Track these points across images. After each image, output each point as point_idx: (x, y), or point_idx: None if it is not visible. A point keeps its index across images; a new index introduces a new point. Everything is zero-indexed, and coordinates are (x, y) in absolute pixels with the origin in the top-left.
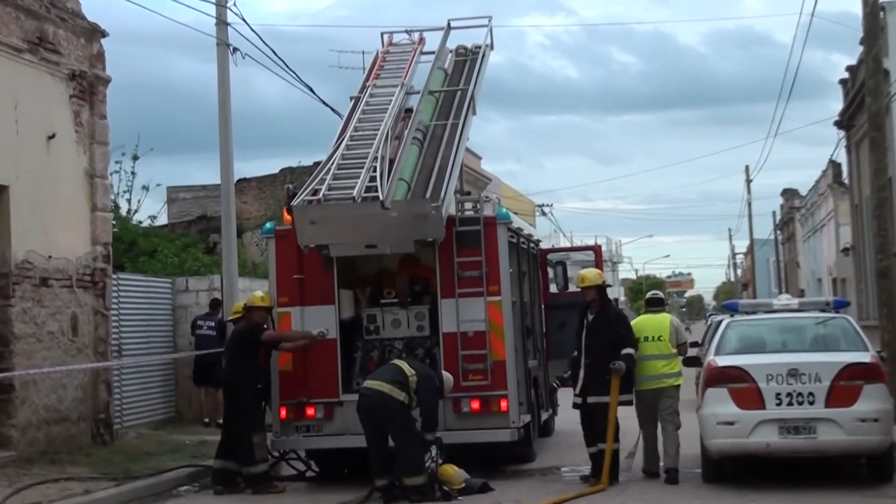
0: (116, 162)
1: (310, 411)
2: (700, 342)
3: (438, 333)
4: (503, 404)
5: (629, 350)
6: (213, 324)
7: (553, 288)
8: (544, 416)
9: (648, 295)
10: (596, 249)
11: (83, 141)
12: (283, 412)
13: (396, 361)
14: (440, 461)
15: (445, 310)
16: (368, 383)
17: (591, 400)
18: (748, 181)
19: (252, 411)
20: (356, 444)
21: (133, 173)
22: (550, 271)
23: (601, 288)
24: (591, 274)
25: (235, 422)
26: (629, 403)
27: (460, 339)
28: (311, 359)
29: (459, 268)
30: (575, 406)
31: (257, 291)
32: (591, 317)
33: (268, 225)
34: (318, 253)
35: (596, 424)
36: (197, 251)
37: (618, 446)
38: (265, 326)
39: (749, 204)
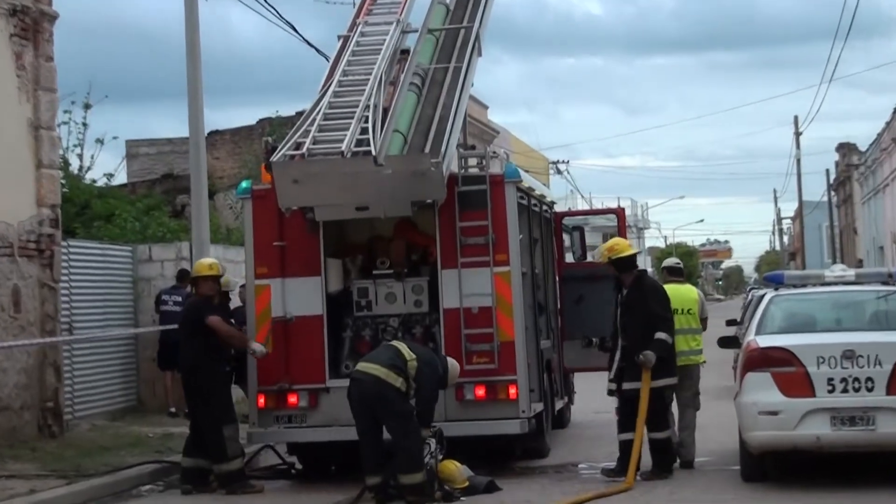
0: (66, 112)
1: (292, 399)
2: (739, 320)
3: (439, 309)
4: (512, 391)
5: (662, 335)
6: (180, 298)
7: (569, 257)
8: (559, 404)
9: (669, 262)
10: (619, 213)
11: (26, 87)
12: (261, 400)
13: (394, 343)
14: (440, 456)
15: (447, 282)
16: (361, 366)
17: (626, 386)
18: (797, 134)
19: (218, 400)
20: (345, 436)
21: (85, 125)
22: (566, 238)
23: (633, 259)
24: (619, 244)
25: (199, 413)
26: (673, 389)
27: (463, 316)
28: (294, 338)
29: (462, 234)
30: (610, 393)
31: (204, 259)
32: (624, 292)
33: (243, 184)
34: (301, 216)
35: (631, 409)
36: (162, 215)
37: (669, 434)
38: (215, 301)
39: (798, 161)
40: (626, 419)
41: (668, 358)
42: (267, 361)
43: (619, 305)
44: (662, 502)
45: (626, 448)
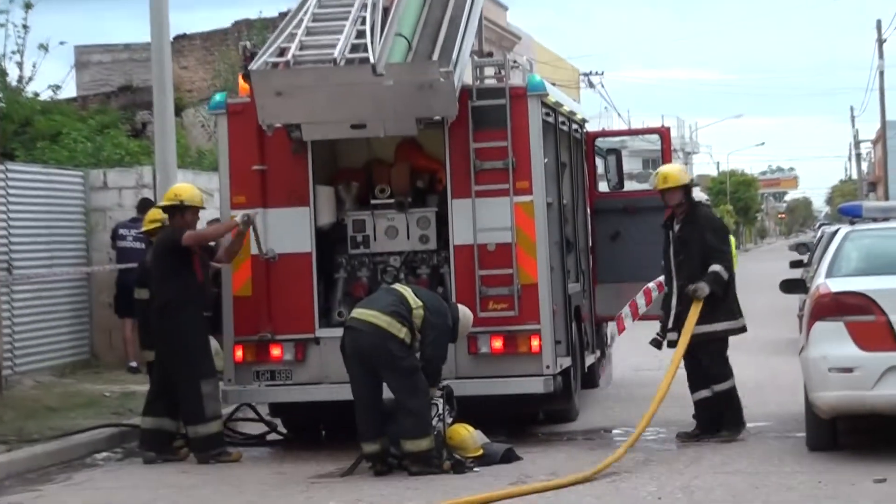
0: (1, 12)
1: (275, 351)
2: (806, 261)
3: (448, 247)
4: (534, 343)
5: (717, 267)
6: (140, 232)
7: (603, 186)
8: (589, 359)
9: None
10: (663, 134)
11: None
12: (239, 352)
13: (396, 286)
14: (450, 420)
15: (458, 214)
16: (358, 313)
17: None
18: (880, 42)
19: (197, 347)
20: (338, 395)
21: (26, 27)
22: (600, 163)
23: (688, 189)
24: (673, 171)
25: (175, 365)
26: (739, 331)
27: (478, 255)
28: (277, 280)
29: (477, 156)
30: (670, 344)
31: (179, 184)
32: (677, 227)
33: (217, 98)
34: (285, 136)
35: (702, 363)
36: (119, 134)
37: (732, 385)
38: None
39: (881, 74)
40: (696, 374)
41: (726, 296)
42: (246, 307)
43: (672, 242)
44: (711, 474)
45: (704, 407)
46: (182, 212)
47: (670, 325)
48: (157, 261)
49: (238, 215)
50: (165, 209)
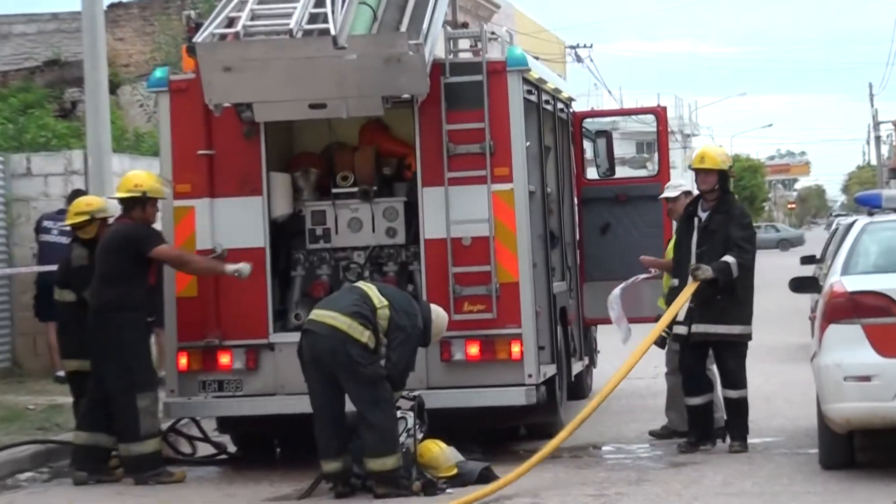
0: None
1: (224, 359)
2: (819, 256)
3: (419, 241)
4: (515, 349)
5: (730, 258)
6: (68, 226)
7: (592, 172)
8: (576, 367)
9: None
10: (658, 114)
11: None
12: (183, 360)
13: (360, 284)
14: (420, 435)
15: (429, 204)
16: (316, 314)
17: (697, 329)
18: None
19: (137, 356)
20: (295, 408)
21: None
22: (589, 146)
23: (724, 175)
24: (714, 152)
25: (110, 374)
26: (747, 339)
27: (451, 250)
28: (227, 278)
29: (451, 139)
30: (676, 338)
31: (137, 173)
32: (703, 215)
33: (158, 73)
34: (236, 117)
35: (704, 363)
36: (45, 114)
37: (744, 394)
38: (155, 231)
39: None
40: (695, 376)
41: (742, 299)
42: (190, 309)
43: (696, 230)
44: (712, 496)
45: (698, 414)
46: (143, 204)
47: (680, 317)
48: (106, 256)
49: (244, 270)
50: (123, 201)
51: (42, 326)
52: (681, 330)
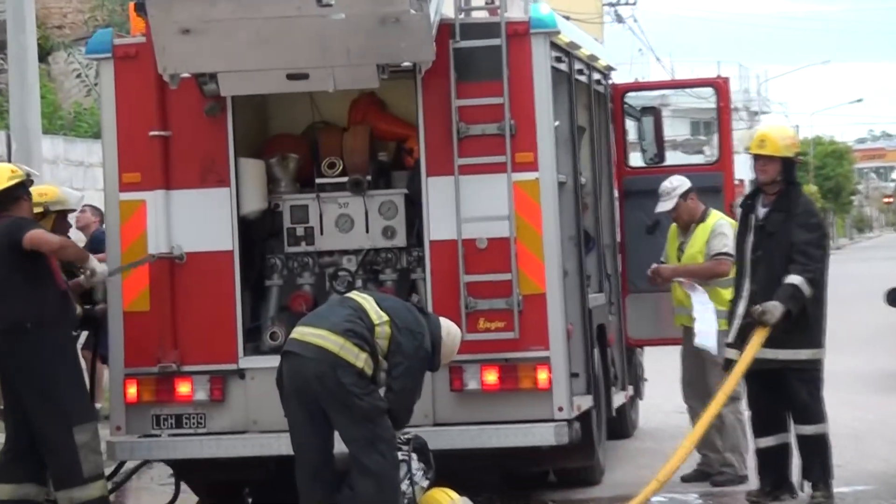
0: None
1: (183, 388)
2: None
3: (423, 243)
4: (542, 376)
5: (796, 279)
6: None
7: (637, 159)
8: (618, 398)
9: None
10: (719, 86)
11: None
12: (133, 389)
13: (354, 295)
14: (425, 483)
15: (435, 198)
16: (300, 333)
17: (761, 356)
18: None
19: (69, 384)
20: (271, 449)
21: None
22: (632, 126)
23: (790, 164)
24: (776, 134)
25: (35, 408)
26: (818, 364)
27: (463, 254)
28: (187, 289)
29: (462, 118)
30: (725, 366)
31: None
32: (762, 211)
33: (99, 37)
34: (196, 90)
35: (773, 395)
36: None
37: (823, 429)
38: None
39: None
40: (764, 411)
41: (810, 318)
42: (141, 326)
43: (751, 230)
44: None
45: (770, 457)
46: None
47: (730, 338)
48: None
49: (98, 270)
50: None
51: None
52: (731, 354)
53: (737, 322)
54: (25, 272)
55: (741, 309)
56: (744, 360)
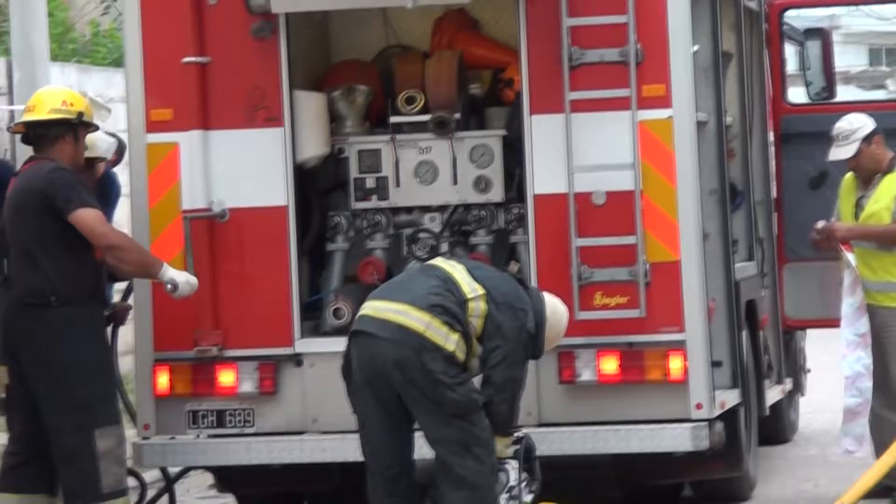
0: None
1: (225, 378)
2: None
3: (524, 197)
4: (675, 365)
5: None
6: None
7: (798, 94)
8: (772, 393)
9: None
10: None
11: None
12: (164, 379)
13: (439, 262)
14: (528, 497)
15: (541, 142)
16: (374, 309)
17: None
18: None
19: (94, 379)
20: (335, 454)
21: None
22: (793, 53)
23: None
24: None
25: (52, 404)
26: None
27: (575, 212)
28: (229, 254)
29: (575, 42)
30: None
31: (50, 88)
32: None
33: None
34: (240, 4)
35: None
36: None
37: None
38: (84, 183)
39: None
40: None
41: None
42: (174, 301)
43: None
44: None
45: None
46: (75, 132)
47: None
48: (21, 223)
49: (180, 282)
50: (40, 125)
51: None
52: None
53: None
54: (56, 236)
55: None
56: None
